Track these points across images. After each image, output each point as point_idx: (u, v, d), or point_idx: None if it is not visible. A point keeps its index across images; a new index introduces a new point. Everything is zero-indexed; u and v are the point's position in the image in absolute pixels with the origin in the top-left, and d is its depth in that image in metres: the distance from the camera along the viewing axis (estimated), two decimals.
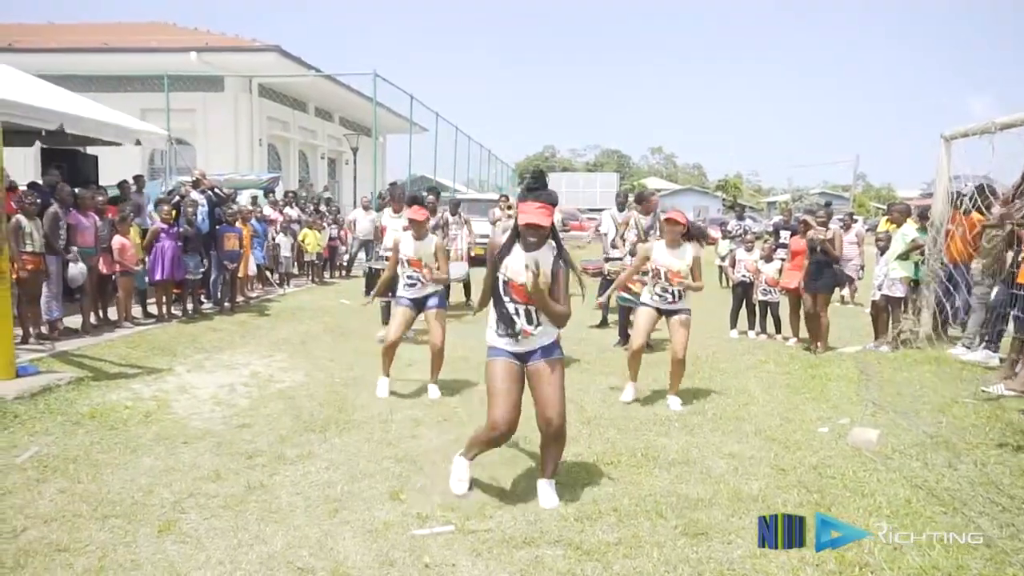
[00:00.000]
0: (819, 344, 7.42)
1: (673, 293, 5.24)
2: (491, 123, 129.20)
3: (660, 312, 5.35)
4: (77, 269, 7.00)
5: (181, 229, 8.10)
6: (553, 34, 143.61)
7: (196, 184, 9.03)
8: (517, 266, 3.35)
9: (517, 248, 3.38)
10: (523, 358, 3.47)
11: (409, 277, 5.46)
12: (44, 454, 4.06)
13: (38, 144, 10.66)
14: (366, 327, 8.27)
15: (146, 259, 7.93)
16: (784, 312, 8.29)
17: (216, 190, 9.21)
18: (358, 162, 19.95)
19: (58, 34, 19.68)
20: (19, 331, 6.75)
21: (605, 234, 8.50)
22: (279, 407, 5.15)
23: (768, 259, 8.36)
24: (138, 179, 10.53)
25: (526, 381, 3.48)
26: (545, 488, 3.53)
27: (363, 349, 7.24)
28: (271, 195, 13.45)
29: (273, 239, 11.56)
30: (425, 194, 8.33)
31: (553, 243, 3.38)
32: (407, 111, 18.68)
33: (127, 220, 7.64)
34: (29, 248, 6.63)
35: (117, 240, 7.51)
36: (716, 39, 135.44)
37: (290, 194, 13.57)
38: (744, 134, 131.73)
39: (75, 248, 7.08)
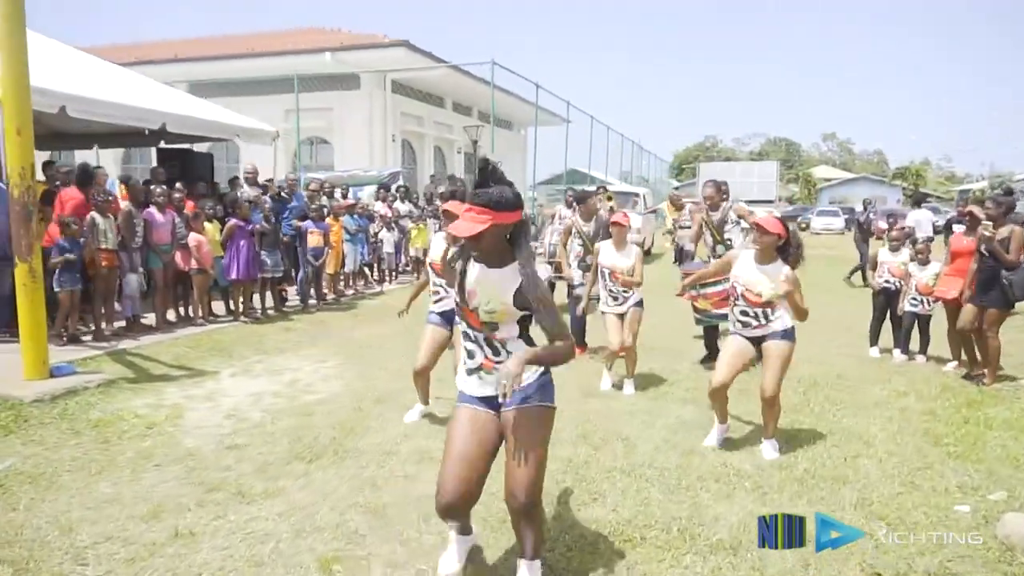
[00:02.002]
0: (986, 373, 5.71)
1: (757, 315, 4.02)
2: (650, 114, 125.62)
3: (750, 342, 4.14)
4: (134, 278, 7.02)
5: (258, 226, 7.93)
6: (716, 20, 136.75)
7: (252, 182, 8.91)
8: (470, 285, 2.53)
9: (471, 263, 2.56)
10: (495, 404, 2.58)
11: (435, 284, 4.60)
12: (14, 469, 3.79)
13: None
14: None
15: (224, 256, 7.85)
16: (939, 329, 6.56)
17: (281, 192, 9.05)
18: (500, 155, 19.57)
19: (218, 45, 21.16)
20: (90, 327, 6.87)
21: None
22: (288, 425, 4.62)
23: (925, 260, 6.65)
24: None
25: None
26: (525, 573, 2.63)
27: None
28: (385, 190, 13.31)
29: (376, 235, 11.32)
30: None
31: (516, 258, 2.47)
32: (545, 104, 18.10)
33: (200, 217, 7.57)
34: (104, 245, 6.70)
35: (193, 237, 7.46)
36: (901, 8, 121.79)
37: (401, 188, 13.34)
38: (935, 114, 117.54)
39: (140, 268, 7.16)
